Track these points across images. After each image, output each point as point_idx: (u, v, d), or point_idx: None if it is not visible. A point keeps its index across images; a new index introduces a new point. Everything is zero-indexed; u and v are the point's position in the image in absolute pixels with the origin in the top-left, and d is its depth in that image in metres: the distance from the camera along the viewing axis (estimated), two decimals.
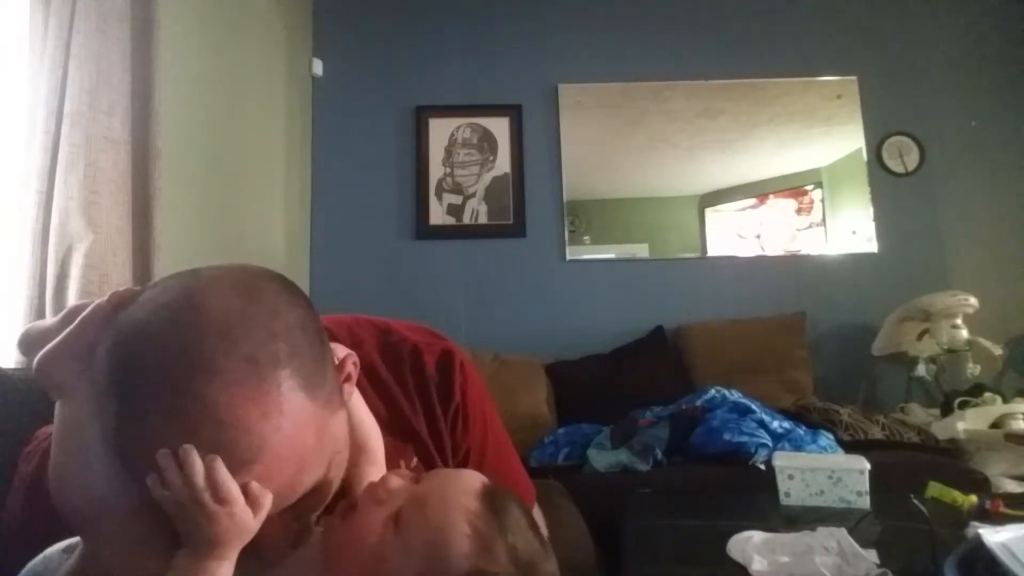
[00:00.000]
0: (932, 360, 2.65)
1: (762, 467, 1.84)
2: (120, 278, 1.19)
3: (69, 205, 1.13)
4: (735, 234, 3.02)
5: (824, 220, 3.00)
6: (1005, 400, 2.36)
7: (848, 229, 2.98)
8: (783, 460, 1.50)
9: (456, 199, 2.95)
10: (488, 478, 0.58)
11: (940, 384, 2.65)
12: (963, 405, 2.35)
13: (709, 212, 3.03)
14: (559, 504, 1.70)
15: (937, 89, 3.01)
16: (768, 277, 2.91)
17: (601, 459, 1.99)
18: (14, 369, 0.94)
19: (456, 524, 0.50)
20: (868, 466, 1.43)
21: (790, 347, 2.68)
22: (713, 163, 3.03)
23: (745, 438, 1.92)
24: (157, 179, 1.33)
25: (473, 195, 2.95)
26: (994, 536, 0.90)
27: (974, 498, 1.31)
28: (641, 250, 3.00)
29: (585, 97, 3.01)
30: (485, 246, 2.90)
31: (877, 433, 2.12)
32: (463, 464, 0.70)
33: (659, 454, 1.95)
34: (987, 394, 2.37)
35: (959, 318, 2.50)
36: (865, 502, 1.40)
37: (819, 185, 3.03)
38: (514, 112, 3.00)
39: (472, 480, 0.55)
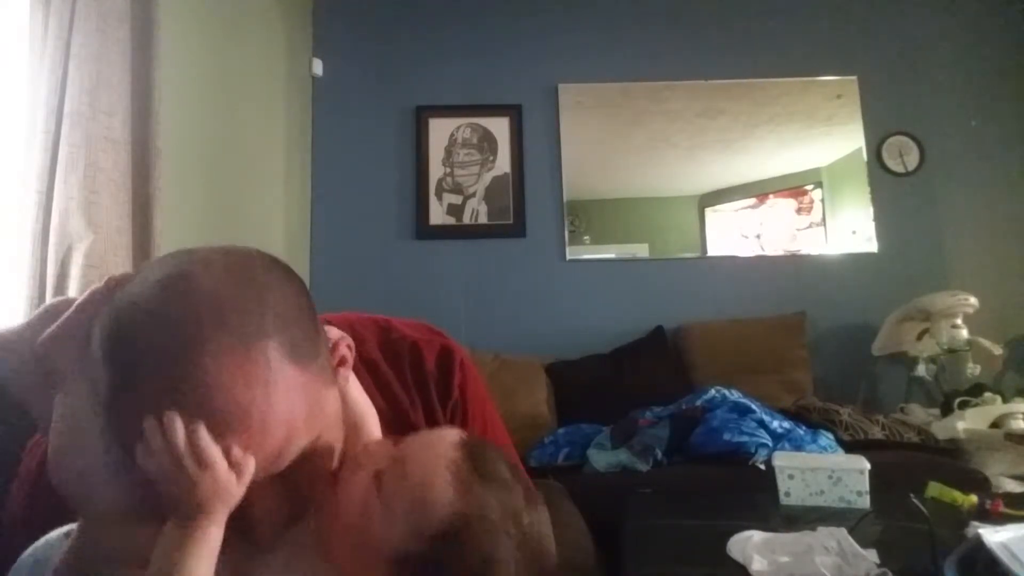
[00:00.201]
0: (932, 360, 2.65)
1: (762, 467, 1.84)
2: None
3: (69, 205, 1.13)
4: (735, 234, 3.02)
5: (824, 220, 3.00)
6: (1005, 400, 2.36)
7: (848, 229, 2.98)
8: (783, 460, 1.50)
9: (456, 199, 2.95)
10: None
11: (940, 384, 2.65)
12: (963, 405, 2.35)
13: (709, 212, 3.03)
14: (559, 504, 1.70)
15: (937, 89, 3.01)
16: (768, 277, 2.91)
17: (601, 459, 1.99)
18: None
19: (437, 474, 0.50)
20: (868, 466, 1.43)
21: (790, 347, 2.68)
22: (713, 163, 3.03)
23: (745, 438, 1.92)
24: (157, 179, 1.33)
25: (473, 195, 2.95)
26: (994, 536, 0.90)
27: (974, 498, 1.31)
28: (641, 250, 3.00)
29: (585, 97, 3.01)
30: (485, 246, 2.91)
31: (877, 433, 2.12)
32: None
33: (659, 454, 1.95)
34: (987, 394, 2.37)
35: (959, 318, 2.50)
36: (865, 502, 1.40)
37: (819, 185, 3.03)
38: (514, 112, 3.00)
39: (450, 434, 0.55)
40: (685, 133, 3.02)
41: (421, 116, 2.98)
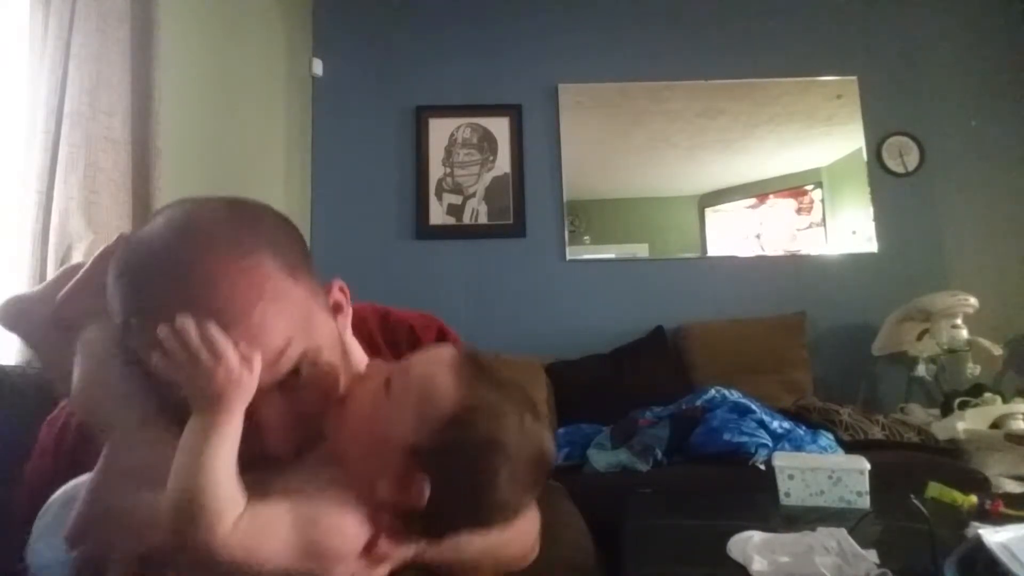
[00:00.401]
0: (932, 360, 2.65)
1: (762, 467, 1.84)
2: None
3: (69, 205, 1.13)
4: (735, 234, 3.02)
5: (824, 220, 3.00)
6: (1005, 400, 2.36)
7: (848, 229, 2.98)
8: (783, 460, 1.50)
9: (456, 199, 2.95)
10: None
11: (940, 384, 2.65)
12: (963, 405, 2.35)
13: (709, 212, 3.03)
14: (559, 504, 1.70)
15: (937, 89, 3.01)
16: (768, 277, 2.91)
17: (601, 459, 1.99)
18: (13, 367, 0.94)
19: (439, 371, 0.55)
20: (868, 466, 1.43)
21: (790, 347, 2.68)
22: (713, 163, 3.03)
23: (745, 438, 1.92)
24: (157, 179, 1.33)
25: (473, 195, 2.95)
26: (994, 536, 0.90)
27: (974, 498, 1.31)
28: (641, 250, 3.00)
29: (585, 97, 3.01)
30: (485, 246, 2.91)
31: (877, 433, 2.12)
32: None
33: (659, 454, 1.95)
34: (987, 394, 2.37)
35: (959, 318, 2.50)
36: (865, 502, 1.40)
37: (819, 185, 3.03)
38: (514, 112, 3.00)
39: (448, 346, 0.61)
40: (685, 133, 3.02)
41: (421, 116, 2.98)
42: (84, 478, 0.53)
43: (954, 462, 2.08)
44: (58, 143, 1.14)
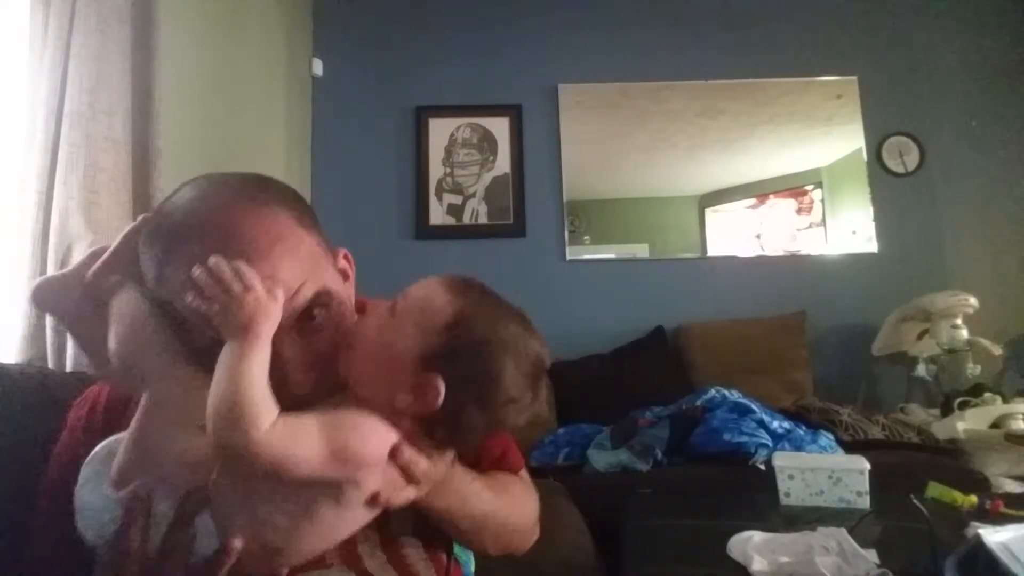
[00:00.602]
0: (932, 360, 2.65)
1: (762, 467, 1.84)
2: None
3: (69, 205, 1.13)
4: (735, 234, 3.02)
5: (824, 220, 3.00)
6: (1005, 400, 2.36)
7: (848, 229, 2.98)
8: (783, 460, 1.50)
9: (456, 199, 2.95)
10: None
11: (940, 384, 2.65)
12: (963, 405, 2.35)
13: (709, 212, 3.03)
14: (559, 504, 1.70)
15: (937, 89, 3.01)
16: (768, 277, 2.91)
17: (601, 459, 1.99)
18: (14, 365, 0.94)
19: (436, 289, 0.61)
20: (868, 466, 1.43)
21: (790, 347, 2.68)
22: (713, 163, 3.03)
23: (745, 438, 1.92)
24: (157, 179, 1.33)
25: (473, 195, 2.95)
26: (994, 536, 0.91)
27: (974, 498, 1.31)
28: (641, 250, 3.00)
29: (585, 97, 3.01)
30: (485, 246, 2.90)
31: (877, 433, 2.12)
32: None
33: (659, 454, 1.95)
34: (987, 394, 2.37)
35: (959, 318, 2.50)
36: (865, 502, 1.40)
37: (819, 185, 3.03)
38: (514, 112, 3.00)
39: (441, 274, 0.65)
40: (685, 133, 3.02)
41: (421, 116, 2.98)
42: (123, 434, 0.58)
43: (954, 462, 2.08)
44: (58, 143, 1.14)
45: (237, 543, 0.53)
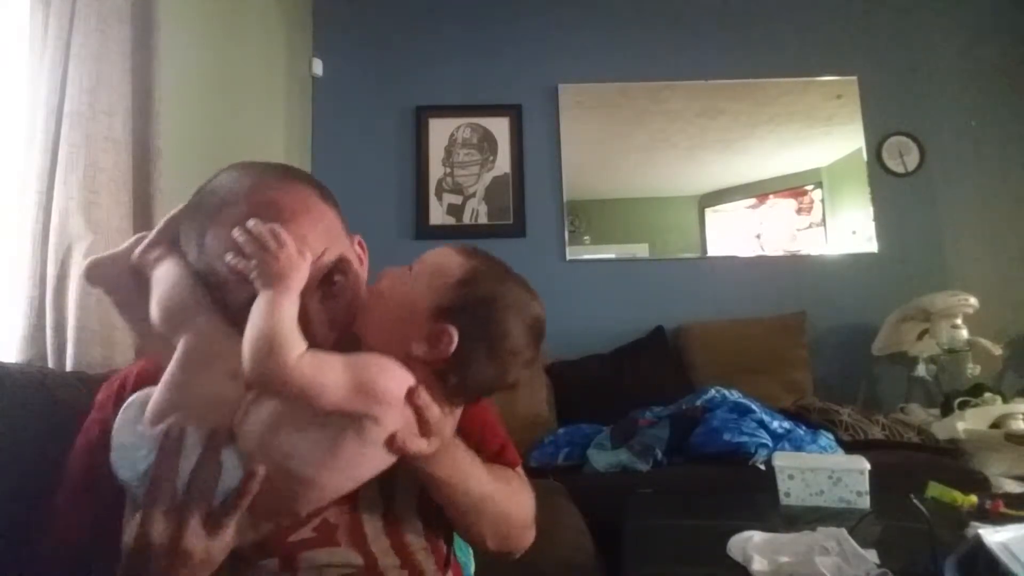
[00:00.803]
0: (932, 360, 2.65)
1: (762, 467, 1.84)
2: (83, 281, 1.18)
3: (69, 205, 1.13)
4: (735, 234, 3.02)
5: (824, 220, 3.00)
6: (1005, 400, 2.36)
7: (848, 229, 2.98)
8: (783, 460, 1.50)
9: (456, 199, 2.95)
10: (478, 430, 0.77)
11: (940, 384, 2.65)
12: (963, 405, 2.35)
13: (709, 212, 3.03)
14: (559, 504, 1.70)
15: (937, 89, 3.01)
16: (768, 277, 2.91)
17: (601, 459, 1.99)
18: (14, 365, 0.94)
19: (449, 253, 0.68)
20: (868, 466, 1.43)
21: (790, 347, 2.68)
22: (713, 163, 3.03)
23: (745, 438, 1.92)
24: (157, 179, 1.33)
25: (473, 195, 2.95)
26: (994, 536, 0.91)
27: (974, 498, 1.31)
28: (641, 250, 3.00)
29: (585, 97, 3.01)
30: (485, 246, 2.85)
31: (877, 433, 2.12)
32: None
33: (659, 454, 1.95)
34: (987, 394, 2.37)
35: (959, 318, 2.50)
36: (865, 502, 1.40)
37: (819, 185, 3.03)
38: (514, 112, 3.00)
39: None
40: (685, 133, 3.02)
41: (421, 116, 2.98)
42: (154, 387, 0.63)
43: (954, 462, 2.08)
44: (58, 143, 1.14)
45: (261, 469, 0.57)
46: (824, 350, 2.79)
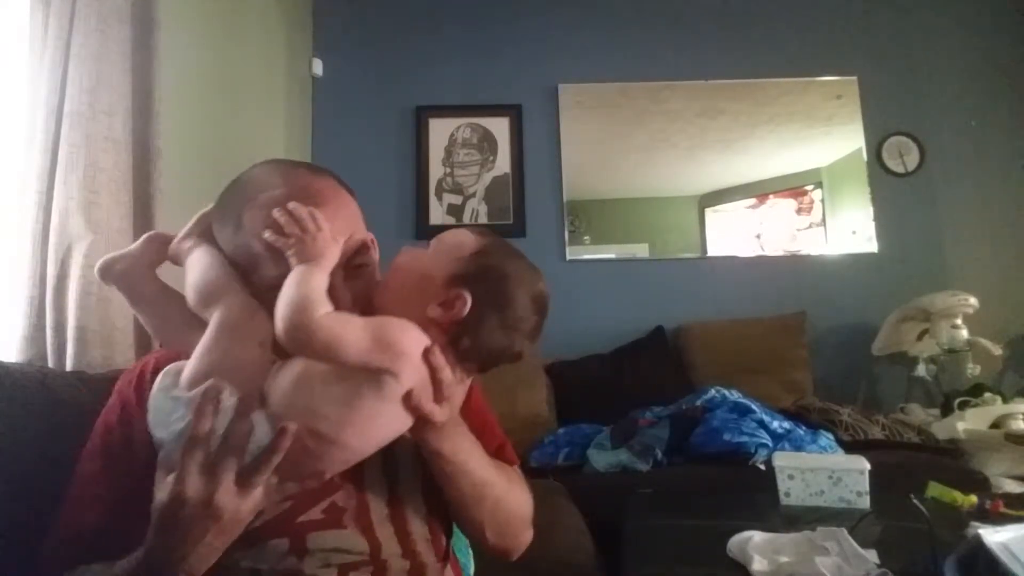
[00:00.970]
0: (932, 360, 2.65)
1: (762, 467, 1.84)
2: (95, 276, 1.18)
3: (69, 205, 1.13)
4: (735, 234, 3.02)
5: (824, 220, 3.00)
6: (1005, 400, 2.36)
7: (848, 229, 2.98)
8: (783, 460, 1.50)
9: (456, 199, 2.95)
10: (478, 429, 0.79)
11: (940, 384, 2.65)
12: (963, 405, 2.35)
13: (709, 212, 3.03)
14: (559, 504, 1.70)
15: (937, 89, 3.01)
16: (768, 277, 2.91)
17: (601, 459, 1.99)
18: (14, 364, 0.94)
19: (463, 231, 0.74)
20: (868, 466, 1.43)
21: (790, 347, 2.68)
22: (713, 163, 3.03)
23: (745, 438, 1.92)
24: (157, 179, 1.33)
25: (473, 195, 2.95)
26: (994, 536, 0.90)
27: (974, 498, 1.31)
28: (641, 250, 3.00)
29: (585, 97, 3.01)
30: None
31: (877, 433, 2.12)
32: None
33: (659, 454, 1.95)
34: (987, 394, 2.37)
35: (959, 318, 2.50)
36: (865, 502, 1.40)
37: (819, 185, 3.03)
38: (514, 112, 3.00)
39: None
40: (685, 133, 3.02)
41: (421, 116, 2.98)
42: (174, 365, 0.68)
43: (954, 462, 2.08)
44: (58, 143, 1.14)
45: (292, 425, 0.60)
46: (824, 350, 2.79)
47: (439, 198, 2.95)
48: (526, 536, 0.84)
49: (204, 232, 0.74)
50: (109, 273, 0.76)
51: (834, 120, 3.01)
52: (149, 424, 0.65)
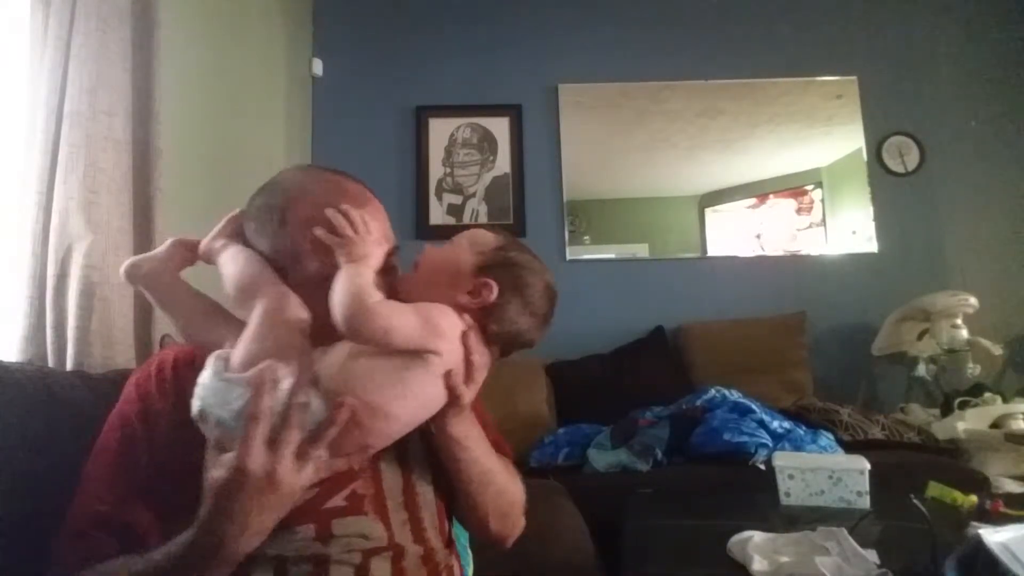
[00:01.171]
0: (932, 360, 2.65)
1: (762, 467, 1.84)
2: (121, 278, 1.19)
3: (69, 205, 1.13)
4: (735, 234, 3.02)
5: (824, 220, 3.00)
6: (1005, 400, 2.36)
7: (848, 229, 2.98)
8: (783, 460, 1.50)
9: (456, 199, 2.95)
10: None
11: (940, 384, 2.65)
12: (963, 405, 2.35)
13: (709, 212, 3.03)
14: (559, 504, 1.70)
15: (937, 89, 3.01)
16: (768, 277, 2.91)
17: (601, 459, 1.99)
18: (14, 364, 0.94)
19: (482, 230, 0.82)
20: (868, 466, 1.43)
21: (790, 347, 2.68)
22: (713, 163, 3.03)
23: (745, 438, 1.92)
24: (157, 179, 1.33)
25: (473, 195, 2.95)
26: (994, 536, 0.90)
27: (974, 498, 1.31)
28: (641, 250, 3.00)
29: (585, 97, 3.01)
30: None
31: (877, 433, 2.12)
32: None
33: (659, 454, 1.95)
34: (987, 394, 2.37)
35: (959, 318, 2.50)
36: (865, 502, 1.40)
37: (819, 185, 3.03)
38: (514, 112, 3.00)
39: None
40: (685, 133, 3.02)
41: (421, 116, 2.98)
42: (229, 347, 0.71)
43: (954, 462, 2.08)
44: (58, 143, 1.14)
45: (350, 399, 0.64)
46: (824, 350, 2.79)
47: (439, 198, 2.95)
48: (521, 524, 0.89)
49: (235, 232, 0.79)
50: (135, 275, 0.80)
51: (834, 120, 3.01)
52: (203, 409, 0.66)
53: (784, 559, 1.07)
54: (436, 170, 2.96)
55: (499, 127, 2.99)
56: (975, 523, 1.15)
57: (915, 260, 2.90)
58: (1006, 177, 2.95)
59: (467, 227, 3.05)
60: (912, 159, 2.97)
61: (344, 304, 0.67)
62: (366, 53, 3.02)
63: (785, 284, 2.88)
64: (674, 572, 1.15)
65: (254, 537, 0.63)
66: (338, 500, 0.73)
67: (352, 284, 0.68)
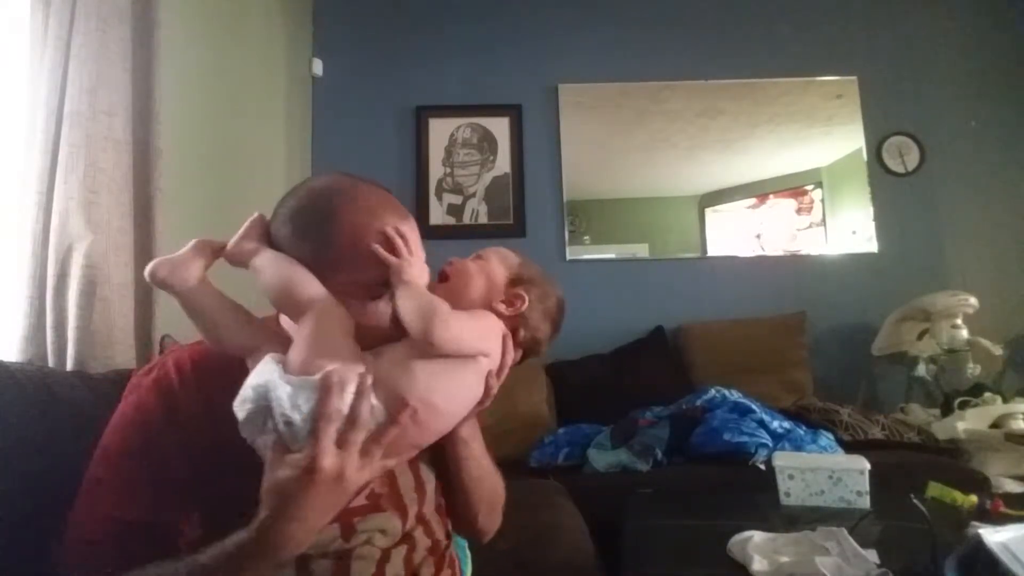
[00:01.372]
0: (932, 360, 2.65)
1: (762, 467, 1.84)
2: (121, 278, 1.19)
3: (69, 205, 1.13)
4: (735, 234, 3.02)
5: (824, 220, 3.00)
6: (1005, 400, 2.36)
7: (848, 229, 2.98)
8: (783, 460, 1.50)
9: (456, 199, 2.95)
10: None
11: (940, 384, 2.65)
12: (963, 405, 2.35)
13: (709, 212, 3.03)
14: (559, 504, 1.70)
15: (937, 89, 3.01)
16: (768, 277, 2.91)
17: (601, 459, 1.99)
18: (14, 364, 0.94)
19: (505, 249, 0.89)
20: (868, 466, 1.43)
21: (790, 347, 2.68)
22: (713, 163, 3.03)
23: (745, 438, 1.92)
24: (158, 179, 1.33)
25: (473, 195, 2.95)
26: (994, 536, 0.90)
27: (974, 498, 1.31)
28: (641, 250, 3.00)
29: (585, 97, 3.01)
30: (485, 246, 2.89)
31: (877, 433, 2.12)
32: None
33: (659, 454, 1.95)
34: (987, 394, 2.37)
35: (959, 318, 2.50)
36: (865, 502, 1.40)
37: (819, 185, 3.03)
38: (514, 112, 3.00)
39: None
40: (685, 133, 3.02)
41: (421, 116, 2.98)
42: (270, 356, 0.70)
43: (954, 462, 2.08)
44: (58, 143, 1.14)
45: (412, 400, 0.67)
46: (824, 350, 2.79)
47: (439, 198, 2.95)
48: (500, 520, 0.94)
49: (263, 236, 0.78)
50: (157, 276, 0.78)
51: (834, 120, 3.01)
52: (252, 409, 0.66)
53: (784, 559, 1.07)
54: (436, 170, 2.96)
55: (499, 127, 2.99)
56: (975, 523, 1.15)
57: (915, 260, 2.90)
58: (1006, 177, 2.95)
59: (467, 227, 3.04)
60: (912, 159, 2.97)
61: (423, 317, 0.71)
62: (366, 53, 3.02)
63: (785, 284, 2.88)
64: (674, 572, 1.15)
65: (311, 535, 0.64)
66: (359, 499, 0.75)
67: (423, 299, 0.72)
